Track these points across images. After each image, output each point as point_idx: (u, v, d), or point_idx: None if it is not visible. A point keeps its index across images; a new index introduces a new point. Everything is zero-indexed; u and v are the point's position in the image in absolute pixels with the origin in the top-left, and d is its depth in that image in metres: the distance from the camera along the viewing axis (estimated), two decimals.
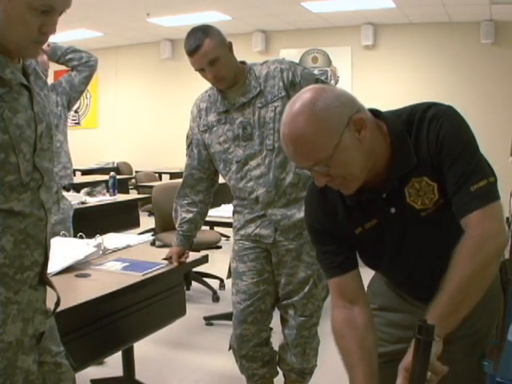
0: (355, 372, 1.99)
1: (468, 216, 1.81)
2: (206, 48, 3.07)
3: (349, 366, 2.02)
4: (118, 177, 7.81)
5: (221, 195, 4.27)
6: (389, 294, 2.31)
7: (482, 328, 2.14)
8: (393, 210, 1.97)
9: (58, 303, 2.05)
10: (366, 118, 1.85)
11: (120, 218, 6.82)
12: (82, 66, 4.55)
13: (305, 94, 1.84)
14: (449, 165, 1.84)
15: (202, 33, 3.10)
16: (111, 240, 3.74)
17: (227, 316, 4.80)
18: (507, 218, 5.33)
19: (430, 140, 1.86)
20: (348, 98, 1.86)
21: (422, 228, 1.95)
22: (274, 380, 3.60)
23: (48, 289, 2.02)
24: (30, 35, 1.76)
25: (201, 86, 3.55)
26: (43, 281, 1.97)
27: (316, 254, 2.26)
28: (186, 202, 3.50)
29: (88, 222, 5.59)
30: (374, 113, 1.95)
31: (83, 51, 4.59)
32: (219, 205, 5.99)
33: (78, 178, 9.84)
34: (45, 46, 4.27)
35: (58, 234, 3.83)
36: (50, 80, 4.69)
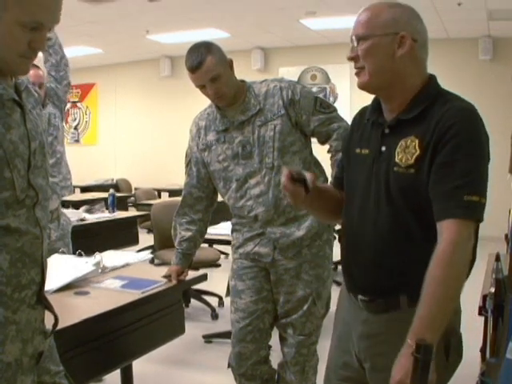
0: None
1: (450, 220, 1.88)
2: (208, 65, 3.08)
3: None
4: (117, 194, 7.82)
5: (220, 213, 4.26)
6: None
7: None
8: (383, 149, 2.09)
9: (56, 323, 2.04)
10: (413, 47, 2.04)
11: (119, 235, 6.82)
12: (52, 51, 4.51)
13: None
14: (459, 159, 1.91)
15: (204, 49, 3.11)
16: (110, 258, 3.73)
17: (226, 334, 4.79)
18: (506, 235, 5.32)
19: (446, 121, 1.94)
20: (416, 24, 2.08)
21: (385, 184, 2.06)
22: None
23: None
24: (20, 50, 1.77)
25: (200, 103, 3.56)
26: (41, 300, 1.96)
27: None
28: (185, 220, 3.50)
29: (87, 239, 5.59)
30: (430, 75, 2.14)
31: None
32: (218, 222, 5.97)
33: (77, 195, 9.85)
34: None
35: (57, 251, 3.83)
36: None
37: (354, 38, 2.09)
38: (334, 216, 2.47)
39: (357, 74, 2.13)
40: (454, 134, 1.91)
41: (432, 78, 2.13)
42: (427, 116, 2.00)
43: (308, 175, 2.14)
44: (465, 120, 1.94)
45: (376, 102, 2.22)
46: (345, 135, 2.43)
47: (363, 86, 2.13)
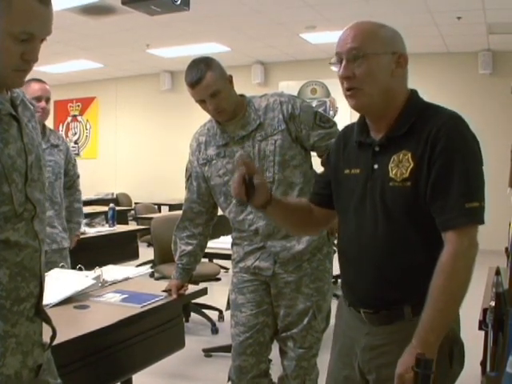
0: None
1: (453, 230, 1.93)
2: (207, 80, 3.09)
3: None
4: (117, 208, 7.81)
5: (220, 227, 4.26)
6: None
7: None
8: (376, 166, 2.10)
9: (53, 336, 2.04)
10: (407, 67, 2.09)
11: (119, 248, 6.81)
12: None
13: None
14: (455, 170, 1.94)
15: (204, 65, 3.12)
16: (110, 272, 3.73)
17: (226, 348, 4.78)
18: (506, 249, 5.32)
19: (437, 133, 1.97)
20: (403, 43, 2.11)
21: (381, 200, 2.07)
22: None
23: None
24: (13, 63, 1.77)
25: (200, 118, 3.57)
26: (39, 313, 1.96)
27: None
28: (185, 234, 3.49)
29: (87, 253, 5.58)
30: (411, 90, 2.17)
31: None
32: (218, 236, 5.95)
33: None
34: None
35: (54, 263, 3.83)
36: (50, 110, 4.70)
37: (353, 53, 2.03)
38: (298, 229, 2.63)
39: (351, 96, 2.09)
40: (446, 144, 1.94)
41: (414, 93, 2.15)
42: (416, 130, 2.02)
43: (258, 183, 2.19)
44: (454, 129, 1.97)
45: (362, 122, 2.22)
46: (329, 156, 2.43)
47: (362, 108, 2.13)
